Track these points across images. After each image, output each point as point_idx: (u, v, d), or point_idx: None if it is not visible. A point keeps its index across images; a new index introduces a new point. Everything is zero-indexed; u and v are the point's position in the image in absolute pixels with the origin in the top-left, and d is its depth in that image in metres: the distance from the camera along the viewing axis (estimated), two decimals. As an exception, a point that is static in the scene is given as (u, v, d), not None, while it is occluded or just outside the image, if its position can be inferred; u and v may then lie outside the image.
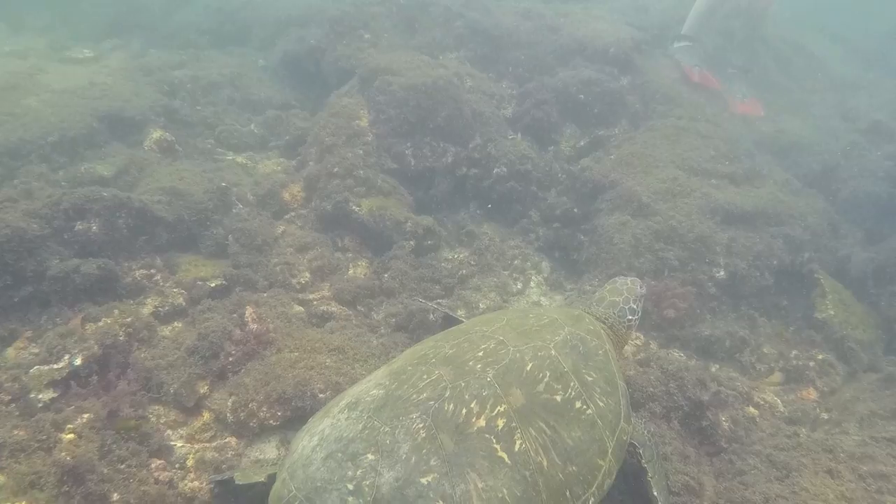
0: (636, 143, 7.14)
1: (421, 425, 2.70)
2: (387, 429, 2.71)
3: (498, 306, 5.52)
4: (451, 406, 2.79)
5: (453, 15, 8.78)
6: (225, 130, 7.40)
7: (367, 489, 2.54)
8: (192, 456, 3.67)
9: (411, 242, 5.89)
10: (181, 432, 3.87)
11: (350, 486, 2.56)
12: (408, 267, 5.61)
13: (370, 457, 2.62)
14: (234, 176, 6.40)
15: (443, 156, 6.91)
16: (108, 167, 5.99)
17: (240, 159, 7.01)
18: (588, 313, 3.82)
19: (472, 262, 6.13)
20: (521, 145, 7.02)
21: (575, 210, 6.61)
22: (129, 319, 4.30)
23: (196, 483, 3.48)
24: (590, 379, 3.18)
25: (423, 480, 2.56)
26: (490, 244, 6.41)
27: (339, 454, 2.68)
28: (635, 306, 3.95)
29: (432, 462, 2.61)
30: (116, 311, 4.37)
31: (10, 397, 3.75)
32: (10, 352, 4.27)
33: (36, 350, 4.17)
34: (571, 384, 3.09)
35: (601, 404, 3.12)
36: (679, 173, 6.60)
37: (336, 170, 6.32)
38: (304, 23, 9.26)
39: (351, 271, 5.71)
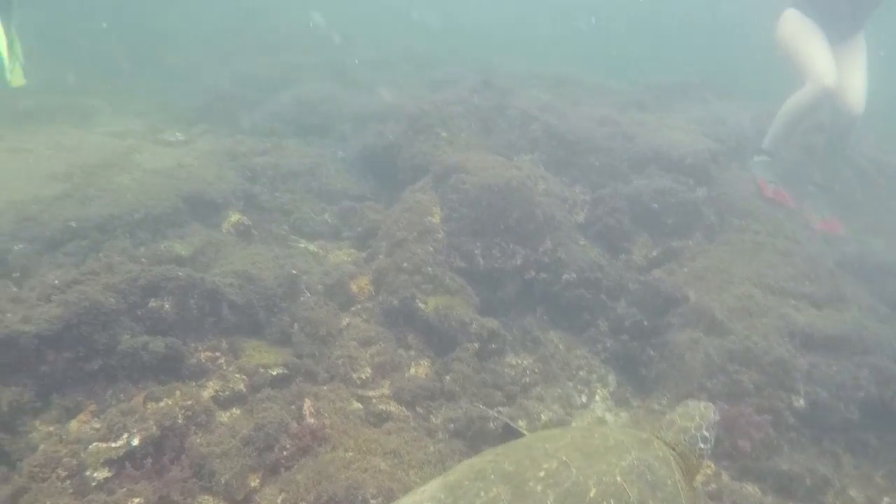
0: (711, 257, 6.96)
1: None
2: (442, 549, 2.55)
3: (560, 419, 5.31)
4: (511, 531, 2.62)
5: (529, 118, 8.94)
6: (300, 218, 7.58)
7: None
8: (236, 553, 3.55)
9: (475, 345, 5.78)
10: (229, 527, 3.77)
11: None
12: (470, 370, 5.48)
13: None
14: (305, 263, 6.49)
15: (512, 258, 6.87)
16: (186, 247, 6.16)
17: (312, 247, 7.14)
18: (657, 437, 3.60)
19: (537, 370, 5.96)
20: (591, 252, 6.94)
21: (645, 322, 6.41)
22: (189, 402, 4.29)
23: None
24: (658, 512, 2.96)
25: None
26: (556, 352, 6.25)
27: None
28: (708, 434, 3.70)
29: None
30: (178, 393, 4.37)
31: (66, 473, 3.73)
32: (74, 424, 4.29)
33: (97, 425, 4.17)
34: (638, 517, 2.87)
35: (672, 543, 2.88)
36: (756, 291, 6.36)
37: (405, 265, 6.34)
38: (383, 118, 9.58)
39: (413, 370, 5.61)
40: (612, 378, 6.13)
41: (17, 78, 9.84)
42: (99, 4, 17.41)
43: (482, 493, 2.82)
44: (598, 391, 5.96)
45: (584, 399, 5.84)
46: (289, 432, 4.15)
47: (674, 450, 3.61)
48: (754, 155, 8.95)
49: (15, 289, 5.46)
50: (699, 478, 4.78)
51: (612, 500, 2.88)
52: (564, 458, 3.06)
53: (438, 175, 7.46)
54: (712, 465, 4.99)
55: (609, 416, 5.69)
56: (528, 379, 5.75)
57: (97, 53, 14.75)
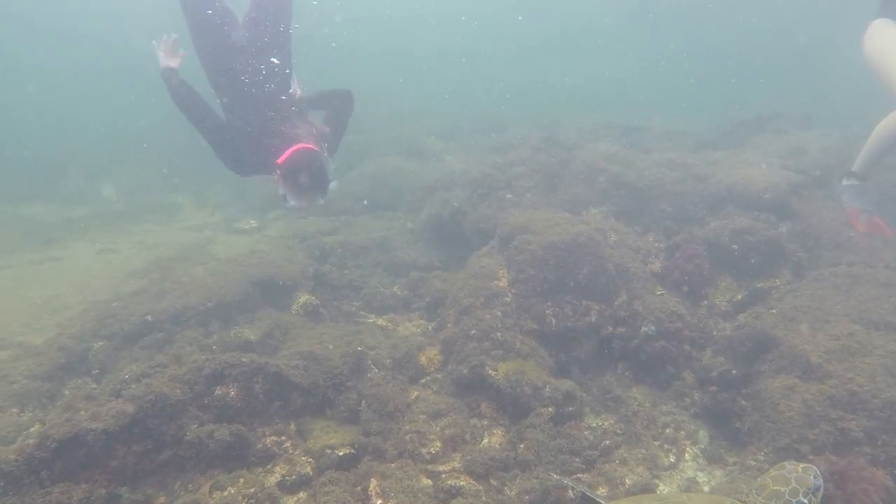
0: (801, 296, 6.43)
1: None
2: None
3: (646, 484, 4.90)
4: None
5: (596, 170, 8.75)
6: (369, 293, 7.60)
7: None
8: None
9: (550, 409, 5.49)
10: None
11: None
12: (545, 437, 5.18)
13: None
14: (373, 339, 6.44)
15: (586, 315, 6.59)
16: (255, 331, 6.25)
17: (380, 322, 7.11)
18: (743, 503, 3.23)
19: (618, 431, 5.59)
20: (670, 301, 6.56)
21: (733, 371, 5.93)
22: (252, 490, 4.22)
23: None
24: None
25: None
26: (639, 410, 5.86)
27: None
28: (806, 501, 3.27)
29: None
30: (241, 481, 4.32)
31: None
32: (144, 519, 4.31)
33: (165, 519, 4.17)
34: None
35: None
36: (856, 328, 5.79)
37: (473, 332, 6.17)
38: (449, 186, 9.63)
39: (486, 440, 5.37)
40: (702, 434, 5.67)
41: None
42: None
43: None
44: (688, 449, 5.50)
45: (672, 459, 5.40)
46: (351, 516, 4.00)
47: (764, 517, 3.22)
48: (843, 179, 8.30)
49: (94, 385, 5.66)
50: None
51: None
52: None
53: (503, 237, 7.34)
54: (824, 529, 4.44)
55: (701, 476, 5.22)
56: (608, 441, 5.38)
57: (184, 151, 15.65)
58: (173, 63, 5.86)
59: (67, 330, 6.49)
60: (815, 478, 3.39)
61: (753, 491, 3.41)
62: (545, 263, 6.64)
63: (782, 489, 3.32)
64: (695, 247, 7.22)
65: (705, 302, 6.94)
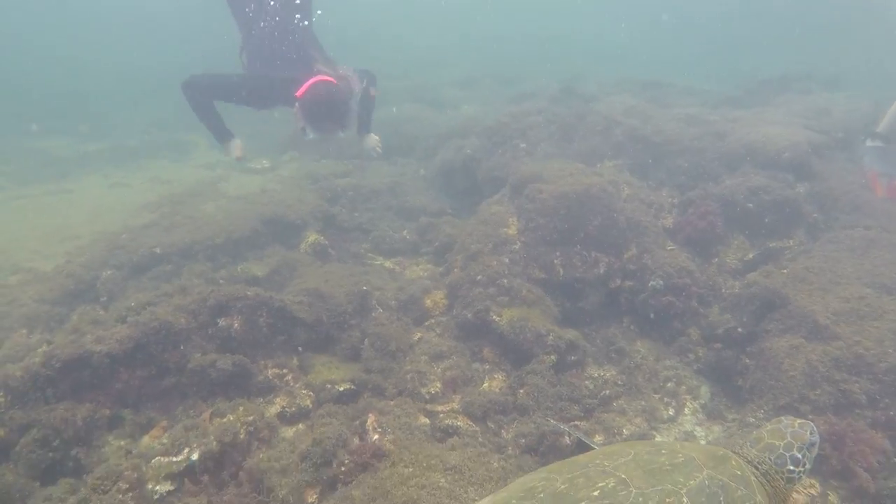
0: (814, 257, 6.34)
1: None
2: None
3: (643, 434, 4.91)
4: (553, 553, 2.35)
5: (613, 123, 8.59)
6: (378, 236, 7.58)
7: None
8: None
9: (552, 357, 5.49)
10: (285, 543, 3.68)
11: None
12: (545, 383, 5.20)
13: None
14: (380, 280, 6.45)
15: (594, 266, 6.54)
16: (262, 268, 6.27)
17: (388, 264, 7.11)
18: (737, 454, 3.19)
19: (620, 382, 5.59)
20: (679, 257, 6.49)
21: (739, 329, 5.88)
22: (251, 418, 4.27)
23: None
24: (732, 538, 2.58)
25: None
26: (642, 363, 5.85)
27: None
28: (800, 455, 3.20)
29: None
30: (241, 409, 4.36)
31: (127, 486, 3.75)
32: (146, 440, 4.39)
33: (165, 440, 4.23)
34: (707, 543, 2.52)
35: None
36: (868, 291, 5.71)
37: (479, 278, 6.15)
38: (464, 134, 9.51)
39: (486, 384, 5.39)
40: (704, 390, 5.66)
41: None
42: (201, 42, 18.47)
43: (529, 513, 2.57)
44: (688, 404, 5.50)
45: (671, 412, 5.40)
46: (348, 448, 4.03)
47: (756, 469, 3.19)
48: (867, 139, 8.07)
49: (101, 312, 5.71)
50: (800, 497, 4.28)
51: (676, 524, 2.54)
52: (624, 476, 2.74)
53: (515, 186, 7.26)
54: (817, 486, 4.45)
55: (699, 431, 5.23)
56: (608, 391, 5.39)
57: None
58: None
59: (77, 258, 6.54)
60: (811, 434, 3.32)
61: (748, 443, 3.37)
62: (556, 213, 6.57)
63: (777, 443, 3.27)
64: (709, 203, 7.11)
65: (716, 259, 6.87)
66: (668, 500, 2.61)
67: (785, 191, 7.11)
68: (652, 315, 6.33)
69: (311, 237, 7.04)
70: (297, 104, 5.57)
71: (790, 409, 5.00)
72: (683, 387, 5.66)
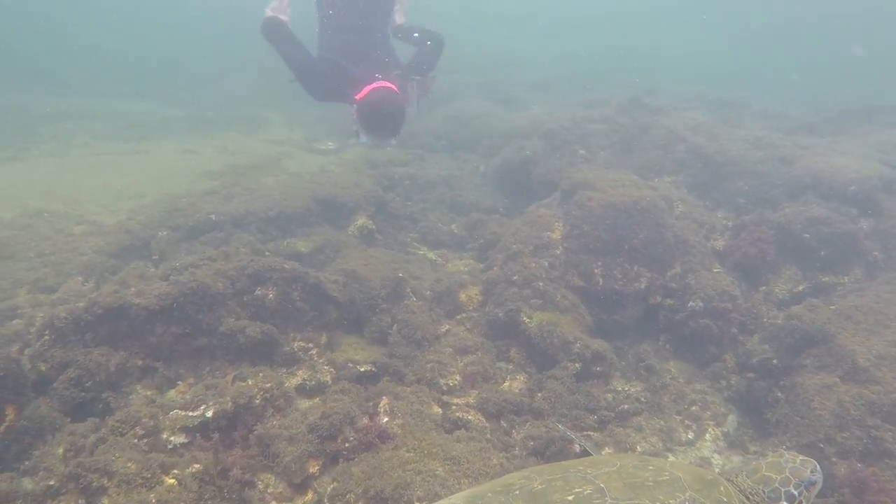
0: (866, 296, 6.09)
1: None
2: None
3: (656, 453, 4.86)
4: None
5: (677, 138, 8.45)
6: (427, 227, 7.69)
7: None
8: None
9: (577, 365, 5.48)
10: (283, 506, 3.84)
11: None
12: (564, 390, 5.19)
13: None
14: (420, 270, 6.55)
15: (636, 280, 6.47)
16: (307, 244, 6.46)
17: (431, 255, 7.20)
18: (730, 482, 3.13)
19: (643, 399, 5.52)
20: (724, 280, 6.35)
21: (774, 361, 5.72)
22: (268, 385, 4.43)
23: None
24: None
25: None
26: (671, 383, 5.78)
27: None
28: (796, 493, 3.10)
29: None
30: (261, 375, 4.54)
31: (144, 432, 3.98)
32: (172, 393, 4.62)
33: (189, 395, 4.45)
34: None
35: None
36: (918, 339, 5.47)
37: (515, 278, 6.18)
38: (528, 135, 9.52)
39: (507, 384, 5.42)
40: (732, 418, 5.54)
41: None
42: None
43: (499, 508, 2.61)
44: (710, 430, 5.39)
45: (690, 436, 5.31)
46: (355, 426, 4.15)
47: (747, 499, 3.12)
48: None
49: (152, 269, 6.01)
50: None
51: (643, 541, 2.54)
52: (603, 485, 2.75)
53: (566, 191, 7.23)
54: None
55: (717, 459, 5.13)
56: (628, 406, 5.34)
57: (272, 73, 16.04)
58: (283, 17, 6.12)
59: (137, 216, 6.90)
60: (811, 472, 3.21)
61: (744, 473, 3.30)
62: (602, 222, 6.53)
63: (774, 476, 3.19)
64: (763, 230, 6.93)
65: (763, 287, 6.70)
66: (640, 515, 2.61)
67: (846, 225, 6.85)
68: (688, 336, 6.23)
69: (360, 220, 7.20)
70: (354, 106, 5.59)
71: (813, 449, 4.85)
72: (708, 412, 5.56)
